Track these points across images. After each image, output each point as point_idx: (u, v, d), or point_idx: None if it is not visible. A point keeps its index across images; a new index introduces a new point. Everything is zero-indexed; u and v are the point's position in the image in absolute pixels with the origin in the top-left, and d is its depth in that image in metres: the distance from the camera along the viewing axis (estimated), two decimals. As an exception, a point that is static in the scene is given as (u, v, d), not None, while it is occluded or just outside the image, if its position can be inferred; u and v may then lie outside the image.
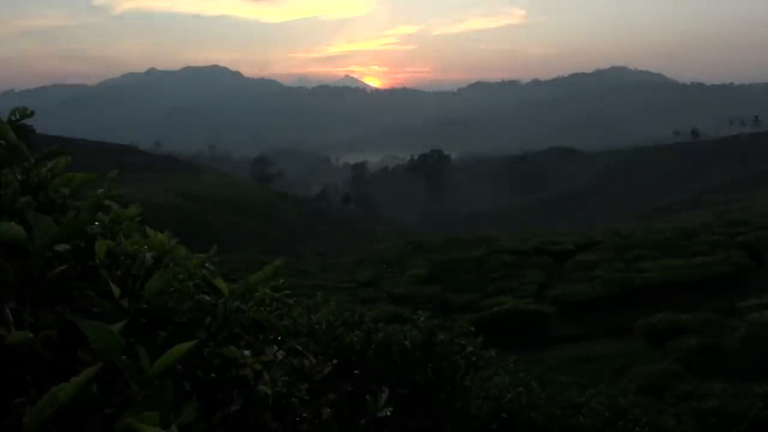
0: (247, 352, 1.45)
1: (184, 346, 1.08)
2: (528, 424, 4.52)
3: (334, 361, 2.07)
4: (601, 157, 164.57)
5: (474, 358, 3.72)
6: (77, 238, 1.34)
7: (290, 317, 3.22)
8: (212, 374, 1.38)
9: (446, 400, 3.42)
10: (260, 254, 52.92)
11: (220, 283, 1.47)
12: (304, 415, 1.61)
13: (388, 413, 1.95)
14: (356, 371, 3.10)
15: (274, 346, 1.73)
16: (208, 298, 1.46)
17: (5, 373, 1.03)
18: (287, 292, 3.06)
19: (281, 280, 2.73)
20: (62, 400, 0.90)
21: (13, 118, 1.50)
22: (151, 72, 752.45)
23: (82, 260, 1.34)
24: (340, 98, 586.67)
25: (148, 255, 1.40)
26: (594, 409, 6.22)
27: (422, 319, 3.78)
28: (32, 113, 1.56)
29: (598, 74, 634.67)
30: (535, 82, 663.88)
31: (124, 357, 1.04)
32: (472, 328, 4.45)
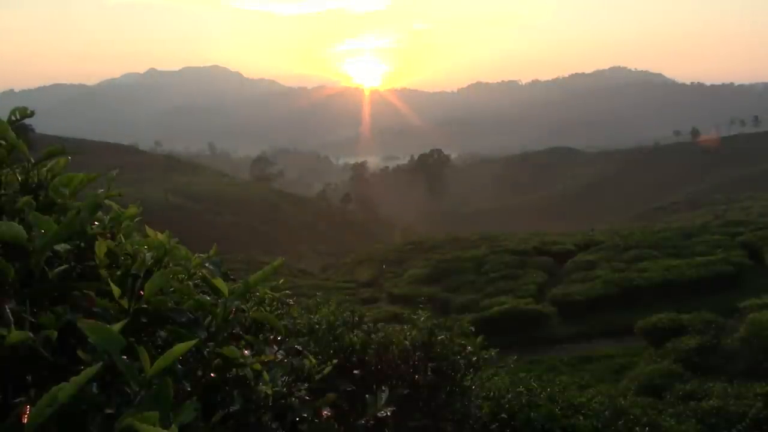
0: (247, 352, 1.45)
1: (184, 346, 1.08)
2: (528, 424, 4.52)
3: (334, 361, 2.08)
4: (601, 157, 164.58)
5: (474, 358, 3.72)
6: (77, 238, 1.34)
7: (290, 317, 3.21)
8: (212, 374, 1.38)
9: (446, 400, 3.41)
10: (260, 254, 52.99)
11: (220, 283, 1.47)
12: (304, 415, 1.61)
13: (388, 413, 1.95)
14: (356, 371, 3.10)
15: (274, 346, 1.73)
16: (208, 298, 1.46)
17: (5, 373, 1.03)
18: (287, 292, 3.07)
19: (281, 280, 2.74)
20: (62, 400, 0.90)
21: (13, 118, 1.50)
22: (151, 72, 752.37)
23: (82, 260, 1.34)
24: (341, 98, 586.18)
25: (148, 255, 1.40)
26: (594, 409, 6.22)
27: (422, 319, 3.79)
28: (32, 113, 1.55)
29: (598, 74, 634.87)
30: (535, 82, 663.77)
31: (124, 357, 1.04)
32: (472, 328, 4.47)
